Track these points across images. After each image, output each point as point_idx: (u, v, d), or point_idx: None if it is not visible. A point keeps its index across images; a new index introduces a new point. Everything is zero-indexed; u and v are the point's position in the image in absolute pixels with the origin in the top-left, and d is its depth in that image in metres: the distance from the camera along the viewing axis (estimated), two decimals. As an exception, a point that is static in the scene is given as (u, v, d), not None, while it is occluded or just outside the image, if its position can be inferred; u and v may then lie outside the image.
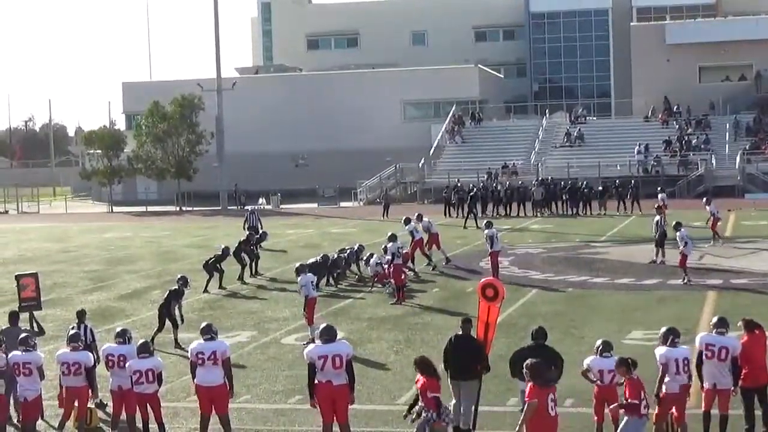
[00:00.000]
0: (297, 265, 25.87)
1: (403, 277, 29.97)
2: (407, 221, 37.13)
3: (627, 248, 41.90)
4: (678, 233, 31.42)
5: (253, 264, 36.48)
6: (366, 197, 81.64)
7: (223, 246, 35.28)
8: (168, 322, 23.89)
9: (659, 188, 56.77)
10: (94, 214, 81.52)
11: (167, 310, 23.99)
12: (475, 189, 62.60)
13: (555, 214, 61.73)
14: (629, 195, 61.42)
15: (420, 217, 38.33)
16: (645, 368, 15.04)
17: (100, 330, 25.54)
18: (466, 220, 54.26)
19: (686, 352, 15.06)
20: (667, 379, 14.91)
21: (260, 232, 40.17)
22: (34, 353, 16.13)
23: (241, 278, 35.06)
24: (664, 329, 15.31)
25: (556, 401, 13.24)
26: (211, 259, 33.89)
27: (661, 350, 15.09)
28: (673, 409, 15.05)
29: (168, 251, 47.29)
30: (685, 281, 30.92)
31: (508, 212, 62.41)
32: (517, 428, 13.29)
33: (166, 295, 24.46)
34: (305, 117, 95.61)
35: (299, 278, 24.49)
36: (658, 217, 37.05)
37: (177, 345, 23.38)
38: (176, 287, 24.61)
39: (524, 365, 13.35)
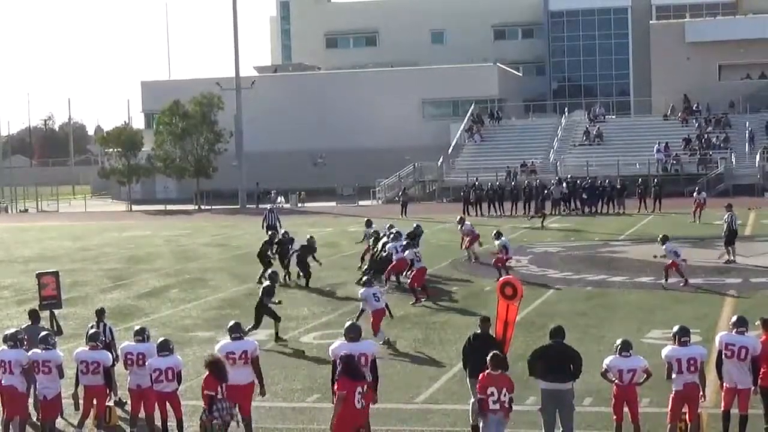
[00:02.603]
0: (363, 279, 25.41)
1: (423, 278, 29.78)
2: (369, 224, 37.21)
3: (646, 247, 41.75)
4: (664, 247, 30.69)
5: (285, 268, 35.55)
6: (385, 196, 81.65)
7: (308, 236, 34.90)
8: (267, 318, 24.11)
9: (696, 188, 56.30)
10: (113, 213, 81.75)
11: (263, 308, 24.11)
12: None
13: (574, 212, 61.59)
14: (651, 194, 61.30)
15: (461, 221, 39.86)
16: (661, 367, 15.16)
17: (119, 328, 25.63)
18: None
19: (695, 351, 14.97)
20: (673, 377, 14.89)
21: (281, 233, 39.08)
22: (53, 351, 16.16)
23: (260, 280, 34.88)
24: (675, 328, 15.28)
25: (364, 394, 13.74)
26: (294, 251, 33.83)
27: (666, 349, 15.10)
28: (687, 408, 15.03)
29: (187, 250, 47.39)
30: (683, 284, 30.19)
31: (526, 211, 62.32)
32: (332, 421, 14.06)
33: (260, 294, 24.46)
34: (324, 116, 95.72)
35: (361, 291, 23.97)
36: (726, 216, 36.49)
37: (278, 338, 23.76)
38: (268, 284, 24.64)
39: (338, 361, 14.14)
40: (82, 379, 16.24)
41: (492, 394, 13.96)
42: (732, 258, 35.45)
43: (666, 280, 30.28)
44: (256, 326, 23.89)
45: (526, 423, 16.31)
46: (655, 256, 32.54)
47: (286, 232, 37.08)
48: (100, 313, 18.67)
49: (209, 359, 15.11)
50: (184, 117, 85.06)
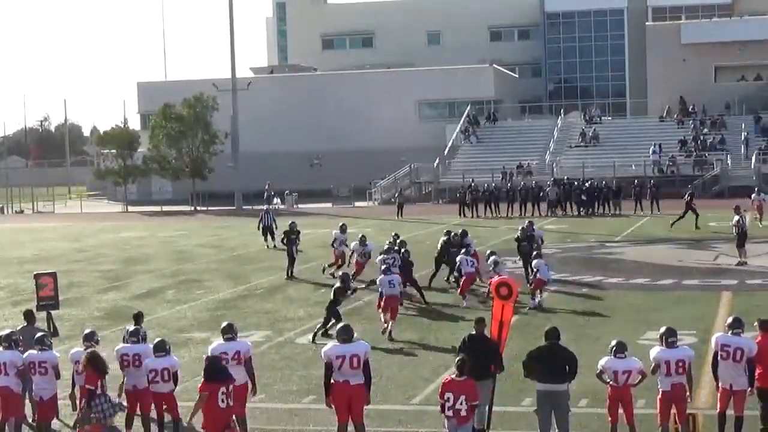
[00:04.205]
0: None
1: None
2: (344, 229, 35.89)
3: (642, 248, 41.86)
4: (535, 262, 29.17)
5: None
6: (380, 197, 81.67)
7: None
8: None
9: (756, 189, 55.68)
10: (109, 214, 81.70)
11: (334, 307, 24.18)
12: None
13: (570, 214, 61.65)
14: (648, 195, 61.38)
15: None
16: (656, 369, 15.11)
17: (115, 330, 25.66)
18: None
19: (683, 353, 14.98)
20: (659, 378, 14.93)
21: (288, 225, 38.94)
22: (49, 352, 16.18)
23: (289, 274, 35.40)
24: (661, 329, 15.30)
25: (228, 394, 14.02)
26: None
27: (654, 351, 15.11)
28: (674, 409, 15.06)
29: (183, 251, 47.38)
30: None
31: (522, 212, 62.35)
32: (188, 417, 14.62)
33: (333, 294, 24.45)
34: (320, 117, 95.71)
35: (379, 279, 25.46)
36: (737, 217, 36.53)
37: (325, 334, 23.70)
38: (339, 285, 24.65)
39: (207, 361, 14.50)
40: (78, 380, 16.24)
41: (448, 400, 13.91)
42: (744, 259, 35.42)
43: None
44: (326, 324, 23.97)
45: (522, 425, 16.33)
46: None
47: (293, 223, 37.21)
48: (138, 318, 18.51)
49: (89, 354, 15.38)
50: (177, 119, 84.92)
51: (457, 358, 14.40)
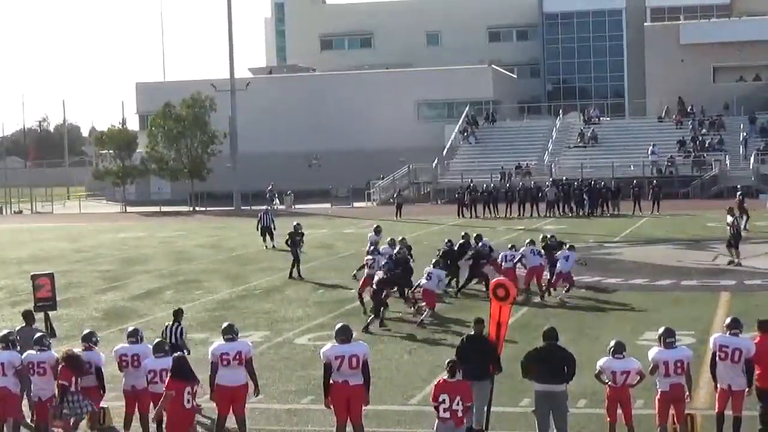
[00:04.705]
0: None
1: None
2: (378, 231, 35.28)
3: (641, 249, 41.88)
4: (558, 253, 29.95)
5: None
6: (379, 197, 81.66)
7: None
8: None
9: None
10: (107, 214, 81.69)
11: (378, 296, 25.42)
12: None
13: (569, 214, 61.64)
14: (650, 196, 61.41)
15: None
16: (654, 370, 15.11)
17: (113, 330, 25.68)
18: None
19: (682, 354, 15.00)
20: (658, 379, 14.93)
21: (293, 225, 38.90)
22: (48, 353, 16.18)
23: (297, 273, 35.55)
24: (660, 330, 15.31)
25: (194, 395, 14.42)
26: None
27: (653, 351, 15.12)
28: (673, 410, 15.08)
29: (181, 251, 47.37)
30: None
31: (521, 213, 62.39)
32: (153, 415, 15.17)
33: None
34: (318, 117, 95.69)
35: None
36: (731, 218, 36.42)
37: (381, 324, 25.11)
38: (380, 276, 25.71)
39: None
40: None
41: (443, 401, 13.89)
42: (737, 260, 35.41)
43: None
44: (376, 315, 25.33)
45: (521, 425, 16.34)
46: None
47: (298, 224, 37.20)
48: (178, 314, 18.54)
49: (65, 354, 15.67)
50: (176, 119, 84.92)
51: (448, 360, 14.45)
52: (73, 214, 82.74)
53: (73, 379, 15.47)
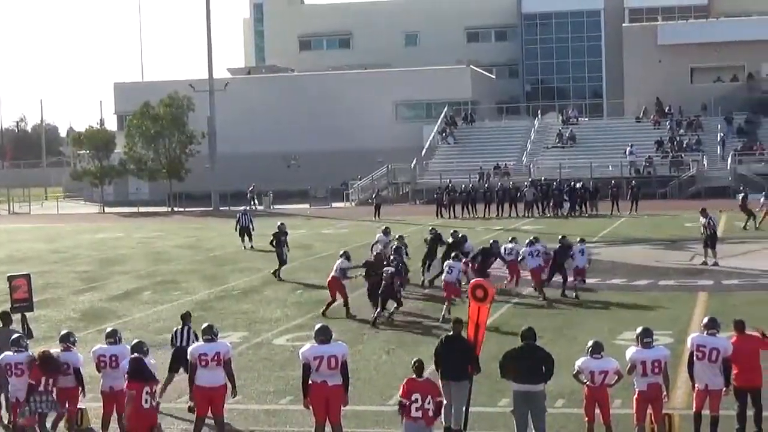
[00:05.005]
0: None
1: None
2: (387, 231, 34.99)
3: (619, 249, 41.98)
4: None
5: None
6: (358, 198, 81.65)
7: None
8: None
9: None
10: (85, 215, 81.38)
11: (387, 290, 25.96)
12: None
13: (547, 214, 61.74)
14: (628, 196, 61.59)
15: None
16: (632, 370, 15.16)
17: (91, 331, 25.59)
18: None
19: (659, 353, 15.05)
20: (635, 378, 14.99)
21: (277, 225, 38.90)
22: (25, 354, 16.11)
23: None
24: (638, 330, 15.36)
25: (153, 395, 14.63)
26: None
27: (630, 351, 15.18)
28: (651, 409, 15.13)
29: (160, 252, 47.26)
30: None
31: (499, 213, 62.47)
32: (122, 418, 15.30)
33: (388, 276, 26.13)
34: (297, 118, 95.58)
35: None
36: (704, 219, 36.56)
37: (375, 324, 25.56)
38: (392, 269, 26.60)
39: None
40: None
41: (416, 400, 13.91)
42: (708, 260, 35.58)
43: None
44: (382, 309, 25.96)
45: (499, 425, 16.36)
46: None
47: (282, 224, 37.18)
48: (186, 317, 18.46)
49: (40, 354, 15.73)
50: (153, 119, 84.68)
51: (414, 360, 14.48)
52: (51, 215, 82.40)
53: (43, 379, 15.45)
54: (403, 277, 29.19)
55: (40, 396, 15.33)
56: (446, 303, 26.68)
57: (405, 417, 14.00)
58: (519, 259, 30.63)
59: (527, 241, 31.20)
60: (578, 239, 31.15)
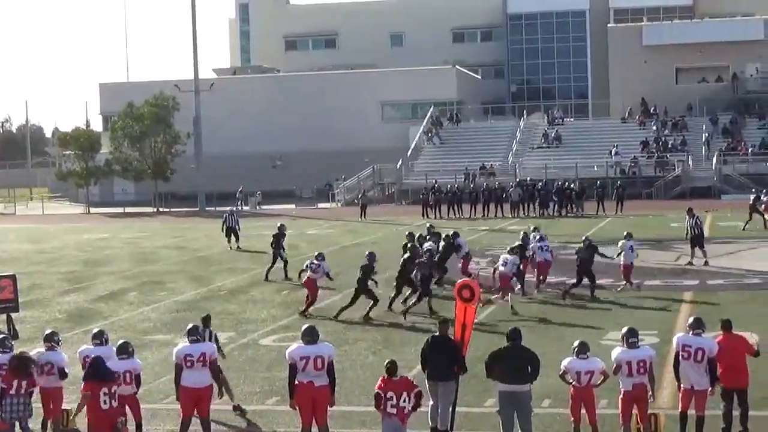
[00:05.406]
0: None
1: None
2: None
3: (604, 249, 41.92)
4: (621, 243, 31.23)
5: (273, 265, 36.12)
6: (344, 198, 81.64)
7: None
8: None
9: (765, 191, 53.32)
10: (71, 216, 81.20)
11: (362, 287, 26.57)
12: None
13: (533, 215, 61.78)
14: (614, 196, 61.70)
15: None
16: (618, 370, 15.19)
17: (77, 331, 25.52)
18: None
19: (645, 353, 15.10)
20: (621, 378, 15.03)
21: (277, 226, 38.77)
22: (10, 355, 16.05)
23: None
24: (623, 330, 15.40)
25: (112, 396, 14.58)
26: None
27: (616, 351, 15.23)
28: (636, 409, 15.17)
29: (146, 252, 47.18)
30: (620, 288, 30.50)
31: (485, 213, 62.53)
32: (72, 416, 15.62)
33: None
34: (283, 118, 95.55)
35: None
36: (690, 219, 36.62)
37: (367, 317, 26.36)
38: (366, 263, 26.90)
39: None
40: (38, 381, 16.14)
41: (391, 398, 14.10)
42: (693, 261, 35.67)
43: None
44: (351, 305, 26.68)
45: (485, 426, 16.37)
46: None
47: (282, 225, 37.16)
48: (207, 320, 18.27)
49: (17, 354, 15.76)
50: (138, 119, 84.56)
51: (386, 361, 14.65)
52: (36, 216, 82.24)
53: (15, 383, 15.34)
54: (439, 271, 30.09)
55: (12, 399, 15.25)
56: (505, 296, 27.51)
57: (381, 413, 14.19)
58: (531, 253, 31.09)
59: (533, 235, 31.62)
60: (625, 233, 32.08)
